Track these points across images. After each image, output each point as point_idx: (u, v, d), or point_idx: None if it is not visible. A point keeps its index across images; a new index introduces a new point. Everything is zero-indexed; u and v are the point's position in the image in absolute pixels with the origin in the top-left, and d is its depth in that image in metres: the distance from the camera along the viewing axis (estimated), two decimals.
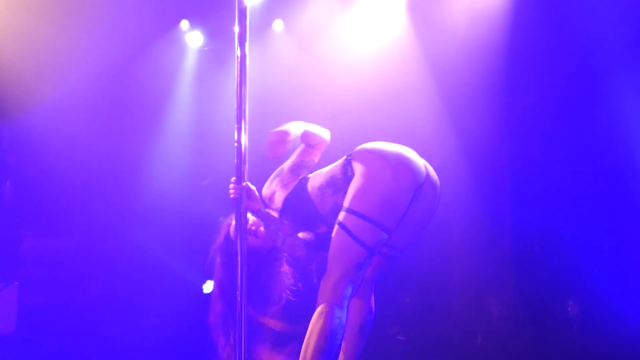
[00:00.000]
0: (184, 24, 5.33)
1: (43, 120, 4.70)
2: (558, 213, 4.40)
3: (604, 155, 4.24)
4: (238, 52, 2.60)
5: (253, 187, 2.68)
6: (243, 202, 2.60)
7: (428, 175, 2.55)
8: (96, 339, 4.59)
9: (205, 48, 5.42)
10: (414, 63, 4.81)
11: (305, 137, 2.69)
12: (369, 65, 4.87)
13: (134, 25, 4.89)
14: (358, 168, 2.48)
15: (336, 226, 2.43)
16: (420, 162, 2.54)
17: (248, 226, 2.78)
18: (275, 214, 2.71)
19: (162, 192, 5.17)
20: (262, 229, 2.72)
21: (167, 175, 5.23)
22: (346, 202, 2.43)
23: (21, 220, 4.85)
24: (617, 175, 4.22)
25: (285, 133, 2.55)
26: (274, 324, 3.05)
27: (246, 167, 2.63)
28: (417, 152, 2.62)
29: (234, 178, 2.63)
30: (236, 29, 2.61)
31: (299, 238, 2.64)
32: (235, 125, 2.60)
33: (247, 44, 2.60)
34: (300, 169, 2.74)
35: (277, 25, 5.26)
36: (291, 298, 2.85)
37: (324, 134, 2.75)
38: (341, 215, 2.42)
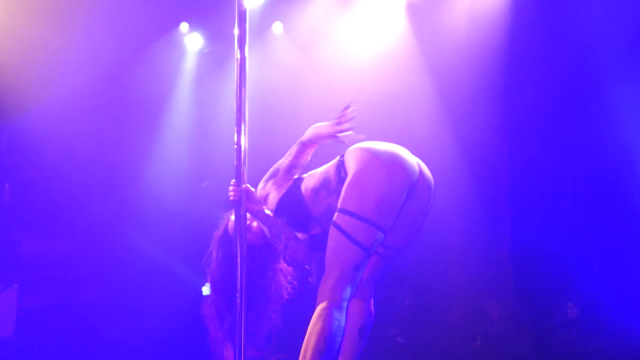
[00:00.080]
0: (184, 26, 5.34)
1: (42, 122, 4.70)
2: (557, 215, 4.40)
3: (603, 157, 4.25)
4: (238, 55, 2.60)
5: (253, 189, 2.68)
6: (243, 204, 2.60)
7: (422, 174, 2.53)
8: (95, 341, 4.58)
9: (205, 50, 5.43)
10: (413, 65, 4.81)
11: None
12: (368, 67, 4.87)
13: (134, 28, 4.89)
14: (351, 168, 2.47)
15: (332, 227, 2.42)
16: (414, 161, 2.52)
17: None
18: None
19: (161, 194, 5.17)
20: (255, 224, 2.70)
21: (166, 177, 5.23)
22: (341, 203, 2.42)
23: (20, 223, 4.84)
24: (616, 177, 4.22)
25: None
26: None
27: (246, 169, 2.64)
28: (416, 153, 2.61)
29: (233, 180, 2.63)
30: (236, 31, 2.62)
31: (301, 241, 2.64)
32: (235, 128, 2.60)
33: (246, 47, 2.60)
34: (295, 169, 2.72)
35: (277, 27, 5.26)
36: (289, 296, 2.83)
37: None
38: (336, 217, 2.41)
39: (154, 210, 5.12)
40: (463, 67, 4.62)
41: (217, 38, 5.30)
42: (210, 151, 5.11)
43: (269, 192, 2.73)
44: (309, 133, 2.66)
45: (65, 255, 4.95)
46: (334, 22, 5.01)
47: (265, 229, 2.66)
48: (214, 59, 5.33)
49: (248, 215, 2.66)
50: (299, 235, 2.68)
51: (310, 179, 2.65)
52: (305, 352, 2.35)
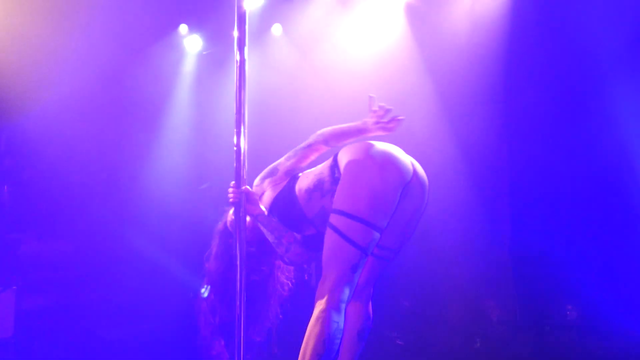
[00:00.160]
0: (183, 28, 5.33)
1: (41, 122, 4.70)
2: (557, 216, 4.40)
3: (602, 158, 4.25)
4: (237, 57, 2.60)
5: (253, 191, 2.68)
6: (242, 206, 2.60)
7: (416, 173, 2.52)
8: (95, 342, 4.57)
9: (204, 52, 5.42)
10: (413, 67, 4.82)
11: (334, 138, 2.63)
12: (368, 68, 4.88)
13: (133, 29, 4.89)
14: (345, 168, 2.47)
15: (328, 229, 2.42)
16: (407, 160, 2.51)
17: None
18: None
19: (161, 195, 5.16)
20: (247, 218, 2.69)
21: (166, 179, 5.23)
22: (336, 204, 2.42)
23: (19, 224, 4.84)
24: (616, 179, 4.23)
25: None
26: None
27: (245, 171, 2.64)
28: (416, 154, 2.61)
29: (233, 182, 2.63)
30: (235, 33, 2.62)
31: (302, 246, 2.63)
32: (235, 130, 2.60)
33: (246, 48, 2.61)
34: (295, 171, 2.70)
35: (276, 29, 5.26)
36: (288, 292, 2.83)
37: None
38: (332, 218, 2.41)
39: (154, 211, 5.12)
40: (462, 68, 4.62)
41: (217, 40, 5.30)
42: (210, 153, 5.11)
43: (265, 190, 2.71)
44: (329, 134, 2.61)
45: (64, 256, 4.95)
46: (333, 23, 5.01)
47: (266, 232, 2.66)
48: (214, 60, 5.33)
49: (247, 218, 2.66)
50: (295, 235, 2.68)
51: (304, 179, 2.63)
52: (304, 354, 2.34)
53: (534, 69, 4.50)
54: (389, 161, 2.44)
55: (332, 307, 2.34)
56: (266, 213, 2.63)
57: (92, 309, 4.83)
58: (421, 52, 4.83)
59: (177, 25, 5.32)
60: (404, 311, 4.77)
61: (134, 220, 5.05)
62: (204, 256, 2.89)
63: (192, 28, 5.35)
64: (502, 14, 4.55)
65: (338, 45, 5.01)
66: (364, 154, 2.46)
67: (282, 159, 2.71)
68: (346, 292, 2.37)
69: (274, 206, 2.66)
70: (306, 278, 2.88)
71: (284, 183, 2.68)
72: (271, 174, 2.72)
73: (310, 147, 2.65)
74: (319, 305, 2.36)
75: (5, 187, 4.81)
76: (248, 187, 2.61)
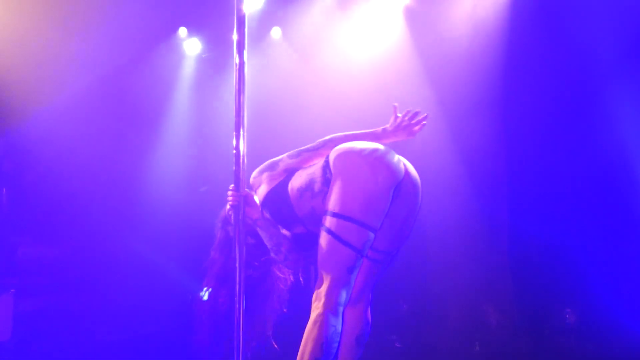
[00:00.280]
0: (182, 31, 5.34)
1: (40, 126, 4.70)
2: (556, 221, 4.41)
3: (602, 163, 4.26)
4: (236, 60, 2.60)
5: (253, 194, 2.68)
6: (241, 209, 2.60)
7: (407, 173, 2.50)
8: (93, 345, 4.57)
9: (204, 55, 5.43)
10: (412, 70, 4.82)
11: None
12: (367, 72, 4.88)
13: (132, 33, 4.90)
14: (336, 169, 2.45)
15: (322, 231, 2.40)
16: (399, 160, 2.50)
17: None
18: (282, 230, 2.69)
19: (160, 198, 5.16)
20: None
21: (165, 182, 5.23)
22: (328, 206, 2.40)
23: (17, 227, 4.83)
24: (615, 184, 4.23)
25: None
26: None
27: (245, 174, 2.63)
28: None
29: (232, 185, 2.63)
30: (234, 36, 2.62)
31: (300, 254, 2.63)
32: (234, 132, 2.60)
33: (245, 51, 2.61)
34: (295, 171, 2.66)
35: (275, 32, 5.27)
36: (287, 287, 2.82)
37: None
38: (325, 220, 2.39)
39: (153, 215, 5.11)
40: (462, 71, 4.63)
41: (216, 43, 5.31)
42: (209, 156, 5.11)
43: (261, 183, 2.70)
44: (340, 141, 2.57)
45: (62, 259, 4.94)
46: (332, 27, 5.02)
47: (264, 237, 2.66)
48: (213, 63, 5.34)
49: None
50: (284, 232, 2.67)
51: (298, 177, 2.60)
52: (302, 358, 2.33)
53: (533, 72, 4.50)
54: (380, 161, 2.43)
55: (329, 310, 2.33)
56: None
57: (91, 311, 4.82)
58: (420, 55, 4.84)
59: (176, 29, 5.32)
60: (403, 315, 4.76)
61: (132, 223, 5.05)
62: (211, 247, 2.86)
63: (192, 31, 5.36)
64: (502, 18, 4.56)
65: (337, 49, 5.02)
66: (354, 154, 2.45)
67: (284, 156, 2.67)
68: (343, 294, 2.36)
69: (266, 201, 2.64)
70: (301, 280, 2.86)
71: (280, 179, 2.66)
72: (270, 168, 2.68)
73: (317, 151, 2.60)
74: (316, 309, 2.35)
75: (4, 189, 4.81)
76: (247, 189, 2.61)
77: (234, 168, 2.62)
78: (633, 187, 4.15)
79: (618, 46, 4.15)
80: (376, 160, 2.42)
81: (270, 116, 4.84)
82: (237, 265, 2.54)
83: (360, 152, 2.44)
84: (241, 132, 2.59)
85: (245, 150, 2.60)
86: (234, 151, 2.60)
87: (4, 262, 4.62)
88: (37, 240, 4.91)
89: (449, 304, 4.68)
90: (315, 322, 2.33)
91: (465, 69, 4.63)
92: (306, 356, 2.32)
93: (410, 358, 4.43)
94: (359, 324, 2.61)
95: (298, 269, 2.75)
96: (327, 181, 2.48)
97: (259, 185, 2.69)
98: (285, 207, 2.59)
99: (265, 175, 2.68)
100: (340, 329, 2.37)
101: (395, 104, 2.57)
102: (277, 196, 2.61)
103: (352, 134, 2.59)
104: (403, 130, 2.56)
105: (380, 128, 2.58)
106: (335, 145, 2.55)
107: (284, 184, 2.62)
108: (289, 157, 2.66)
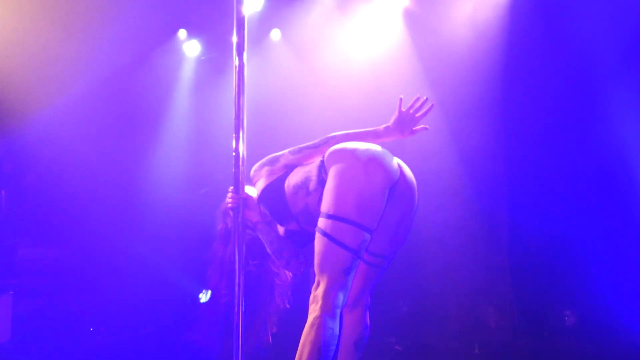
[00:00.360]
0: (182, 33, 5.34)
1: (39, 128, 4.70)
2: (555, 222, 4.41)
3: (602, 164, 4.26)
4: (236, 62, 2.61)
5: (253, 196, 2.68)
6: (240, 211, 2.60)
7: (403, 174, 2.49)
8: (92, 347, 4.57)
9: (203, 57, 5.43)
10: (411, 70, 4.82)
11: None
12: (367, 73, 4.88)
13: (132, 34, 4.90)
14: (331, 169, 2.43)
15: (317, 234, 2.38)
16: (393, 160, 2.48)
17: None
18: (281, 229, 2.69)
19: (159, 200, 5.16)
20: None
21: (164, 183, 5.23)
22: (322, 207, 2.39)
23: (16, 229, 4.83)
24: (615, 185, 4.23)
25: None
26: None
27: (244, 177, 2.64)
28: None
29: (231, 187, 2.63)
30: (234, 38, 2.62)
31: (301, 258, 2.63)
32: (233, 135, 2.60)
33: (245, 53, 2.61)
34: (295, 167, 2.65)
35: (275, 34, 5.27)
36: (288, 282, 2.82)
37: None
38: (320, 222, 2.37)
39: (152, 216, 5.11)
40: (461, 72, 4.63)
41: (216, 45, 5.31)
42: (208, 158, 5.11)
43: (261, 177, 2.69)
44: (341, 138, 2.55)
45: (61, 261, 4.94)
46: (332, 29, 5.02)
47: (265, 242, 2.65)
48: (213, 65, 5.34)
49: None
50: (279, 228, 2.67)
51: (295, 174, 2.60)
52: None
53: (532, 73, 4.51)
54: (374, 161, 2.40)
55: (327, 312, 2.30)
56: (259, 211, 2.63)
57: (90, 313, 4.82)
58: (419, 56, 4.84)
59: (176, 30, 5.32)
60: (403, 316, 4.76)
61: (132, 225, 5.04)
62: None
63: (191, 33, 5.36)
64: (500, 18, 4.57)
65: (337, 51, 5.02)
66: (348, 154, 2.43)
67: (285, 151, 2.66)
68: (340, 296, 2.34)
69: (263, 195, 2.64)
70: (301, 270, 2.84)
71: (279, 175, 2.65)
72: (271, 162, 2.67)
73: (318, 149, 2.59)
74: (313, 312, 2.33)
75: (3, 191, 4.81)
76: (247, 187, 2.61)
77: (233, 170, 2.62)
78: (633, 188, 4.15)
79: (618, 48, 4.15)
80: (370, 161, 2.40)
81: (270, 118, 4.84)
82: (237, 266, 2.54)
83: (354, 152, 2.42)
84: (241, 134, 2.59)
85: (245, 152, 2.61)
86: (234, 153, 2.61)
87: (3, 263, 4.62)
88: (36, 242, 4.91)
89: (448, 305, 4.67)
90: (312, 325, 2.31)
91: (464, 70, 4.64)
92: (304, 359, 2.30)
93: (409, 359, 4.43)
94: (357, 329, 2.60)
95: (299, 272, 2.75)
96: (322, 181, 2.48)
97: (258, 179, 2.69)
98: (280, 202, 2.59)
99: (265, 169, 2.67)
100: (337, 331, 2.35)
101: (401, 96, 2.53)
102: (274, 191, 2.61)
103: (353, 132, 2.57)
104: (405, 126, 2.53)
105: (382, 126, 2.56)
106: (336, 143, 2.54)
107: (281, 179, 2.61)
108: (291, 153, 2.65)
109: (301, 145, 2.64)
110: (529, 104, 4.54)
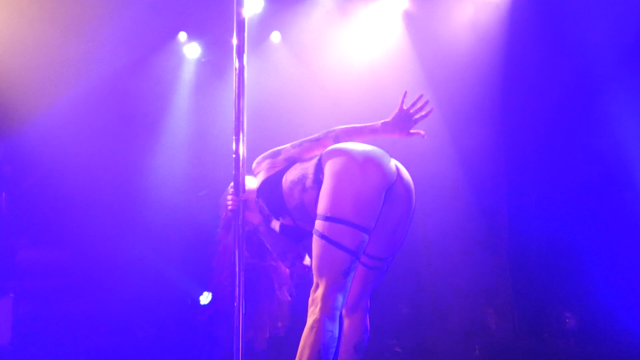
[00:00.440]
0: (182, 35, 5.34)
1: (39, 130, 4.70)
2: (556, 224, 4.41)
3: (603, 166, 4.26)
4: (236, 64, 2.61)
5: (253, 187, 2.68)
6: (241, 213, 2.60)
7: (400, 176, 2.49)
8: (92, 349, 4.56)
9: (203, 59, 5.43)
10: (411, 73, 4.83)
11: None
12: (367, 75, 4.89)
13: (133, 37, 4.90)
14: (327, 169, 2.43)
15: (315, 236, 2.38)
16: (391, 162, 2.48)
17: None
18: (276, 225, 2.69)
19: (159, 202, 5.16)
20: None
21: (164, 185, 5.23)
22: (320, 209, 2.38)
23: (17, 231, 4.83)
24: (615, 187, 4.23)
25: None
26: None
27: (244, 179, 2.64)
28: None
29: (232, 189, 2.63)
30: (234, 40, 2.63)
31: (306, 259, 2.63)
32: (233, 137, 2.61)
33: (245, 56, 2.61)
34: (296, 161, 2.65)
35: (275, 37, 5.28)
36: (277, 274, 2.82)
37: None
38: (317, 224, 2.37)
39: (152, 218, 5.11)
40: (461, 74, 4.64)
41: (216, 47, 5.31)
42: (209, 160, 5.11)
43: (261, 169, 2.70)
44: (340, 132, 2.57)
45: (61, 263, 4.94)
46: (332, 31, 5.02)
47: (269, 245, 2.65)
48: (213, 68, 5.34)
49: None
50: (274, 222, 2.67)
51: (293, 170, 2.61)
52: None
53: (532, 76, 4.51)
54: (370, 161, 2.41)
55: (326, 315, 2.30)
56: (259, 213, 2.64)
57: (90, 316, 4.82)
58: (419, 58, 4.84)
59: (176, 33, 5.32)
60: (403, 319, 4.76)
61: (132, 227, 5.04)
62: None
63: (192, 35, 5.36)
64: (499, 19, 4.57)
65: (337, 53, 5.02)
66: (345, 155, 2.43)
67: (287, 145, 2.68)
68: (339, 298, 2.33)
69: (261, 188, 2.65)
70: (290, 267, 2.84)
71: (279, 168, 2.65)
72: (273, 156, 2.69)
73: (318, 142, 2.60)
74: (313, 314, 2.33)
75: (4, 193, 4.81)
76: (248, 177, 2.62)
77: (233, 172, 2.62)
78: (633, 191, 4.15)
79: (619, 52, 4.16)
80: (367, 162, 2.40)
81: (270, 120, 4.85)
82: (237, 269, 2.54)
83: (350, 153, 2.42)
84: (241, 136, 2.60)
85: (245, 154, 2.61)
86: (234, 155, 2.61)
87: (4, 265, 4.62)
88: (36, 244, 4.90)
89: (449, 307, 4.67)
90: (312, 327, 2.30)
91: (464, 72, 4.64)
92: None
93: None
94: (357, 332, 2.59)
95: (304, 273, 2.75)
96: (318, 179, 2.48)
97: (259, 171, 2.70)
98: (276, 196, 2.59)
99: (266, 162, 2.69)
100: (337, 334, 2.34)
101: (406, 91, 2.54)
102: (272, 185, 2.62)
103: (352, 127, 2.58)
104: (403, 124, 2.53)
105: (380, 121, 2.56)
106: (335, 135, 2.56)
107: (280, 174, 2.62)
108: (292, 146, 2.67)
109: (302, 139, 2.66)
110: (529, 106, 4.54)
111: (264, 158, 2.70)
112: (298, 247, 2.68)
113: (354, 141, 2.56)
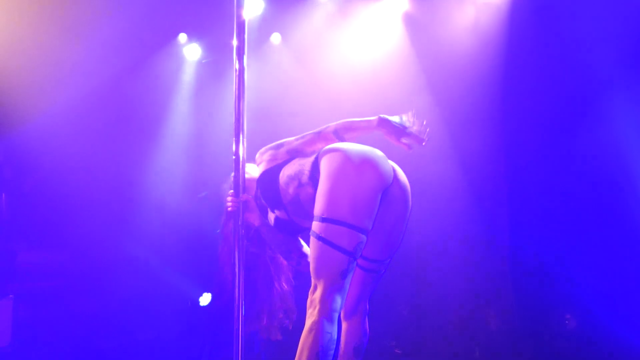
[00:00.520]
0: (182, 37, 5.35)
1: (39, 132, 4.70)
2: (555, 227, 4.41)
3: (603, 169, 4.27)
4: (236, 65, 2.61)
5: (254, 176, 2.68)
6: (241, 214, 2.60)
7: (397, 178, 2.49)
8: (92, 351, 4.56)
9: (204, 61, 5.43)
10: (411, 74, 4.83)
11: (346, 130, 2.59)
12: (367, 77, 4.89)
13: (132, 38, 4.90)
14: (323, 169, 2.43)
15: (312, 237, 2.37)
16: (387, 163, 2.48)
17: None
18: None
19: (159, 204, 5.16)
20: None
21: (164, 187, 5.23)
22: (316, 211, 2.38)
23: (17, 233, 4.83)
24: (615, 190, 4.24)
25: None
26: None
27: (244, 180, 2.64)
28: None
29: (232, 190, 2.63)
30: (234, 41, 2.63)
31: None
32: (233, 138, 2.61)
33: (245, 57, 2.61)
34: (298, 153, 2.65)
35: (275, 38, 5.28)
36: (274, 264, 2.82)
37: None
38: (314, 226, 2.36)
39: (152, 220, 5.11)
40: (461, 76, 4.64)
41: (216, 48, 5.31)
42: (209, 161, 5.11)
43: (263, 161, 2.70)
44: (340, 126, 2.57)
45: (61, 265, 4.93)
46: (332, 32, 5.03)
47: (272, 245, 2.65)
48: (213, 69, 5.34)
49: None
50: (270, 215, 2.67)
51: (291, 165, 2.61)
52: None
53: (533, 78, 4.52)
54: (367, 161, 2.40)
55: (324, 317, 2.29)
56: (259, 214, 2.64)
57: (90, 317, 4.81)
58: (420, 60, 4.85)
59: (176, 34, 5.33)
60: (403, 320, 4.76)
61: (132, 228, 5.05)
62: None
63: (192, 37, 5.37)
64: (499, 20, 4.58)
65: (337, 55, 5.03)
66: (341, 155, 2.42)
67: (291, 138, 2.69)
68: (338, 300, 2.32)
69: (261, 179, 2.66)
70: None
71: (280, 162, 2.65)
72: (276, 147, 2.69)
73: (319, 135, 2.60)
74: (311, 316, 2.32)
75: (4, 195, 4.81)
76: (249, 165, 2.62)
77: (233, 173, 2.62)
78: (633, 194, 4.15)
79: (620, 55, 4.17)
80: (363, 162, 2.40)
81: (270, 121, 4.85)
82: (237, 269, 2.54)
83: (347, 154, 2.42)
84: (241, 138, 2.60)
85: (245, 155, 2.61)
86: (234, 156, 2.61)
87: (4, 267, 4.62)
88: (36, 246, 4.90)
89: (449, 309, 4.67)
90: (310, 329, 2.30)
91: (465, 74, 4.64)
92: None
93: None
94: (356, 336, 2.59)
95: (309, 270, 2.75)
96: (313, 177, 2.48)
97: (261, 163, 2.71)
98: (273, 189, 2.60)
99: (269, 153, 2.69)
100: (336, 336, 2.33)
101: (425, 122, 2.55)
102: (269, 177, 2.63)
103: (350, 120, 2.57)
104: (399, 129, 2.50)
105: (375, 117, 2.54)
106: (335, 129, 2.57)
107: (279, 167, 2.63)
108: (295, 139, 2.67)
109: (306, 132, 2.66)
110: (529, 108, 4.55)
111: (267, 149, 2.71)
112: (301, 246, 2.67)
113: (351, 134, 2.56)
